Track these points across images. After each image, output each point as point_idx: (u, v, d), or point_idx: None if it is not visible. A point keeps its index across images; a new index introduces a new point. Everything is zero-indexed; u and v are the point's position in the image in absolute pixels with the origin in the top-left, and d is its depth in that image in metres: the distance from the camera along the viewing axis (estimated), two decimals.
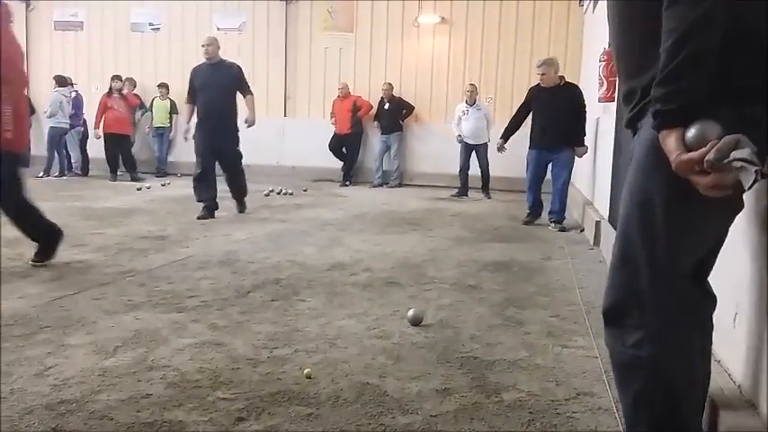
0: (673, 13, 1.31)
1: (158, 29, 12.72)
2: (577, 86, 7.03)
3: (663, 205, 1.44)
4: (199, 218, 6.64)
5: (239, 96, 7.21)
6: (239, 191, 7.27)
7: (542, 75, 6.79)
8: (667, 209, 1.44)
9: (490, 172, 9.75)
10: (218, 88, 6.94)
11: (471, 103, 9.76)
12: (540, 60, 6.98)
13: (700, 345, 1.54)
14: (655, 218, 1.45)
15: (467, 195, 9.53)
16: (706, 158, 1.25)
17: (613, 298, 1.57)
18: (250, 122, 7.24)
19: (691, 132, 1.30)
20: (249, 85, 7.33)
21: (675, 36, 1.30)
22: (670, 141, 1.33)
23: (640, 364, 1.50)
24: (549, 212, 6.75)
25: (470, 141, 9.64)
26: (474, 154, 9.68)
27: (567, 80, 6.96)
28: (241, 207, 7.24)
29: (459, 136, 9.72)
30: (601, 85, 5.92)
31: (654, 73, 1.37)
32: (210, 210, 6.82)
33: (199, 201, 6.93)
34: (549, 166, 6.85)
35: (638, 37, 1.51)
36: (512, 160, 10.68)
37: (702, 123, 1.29)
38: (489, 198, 9.55)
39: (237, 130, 7.24)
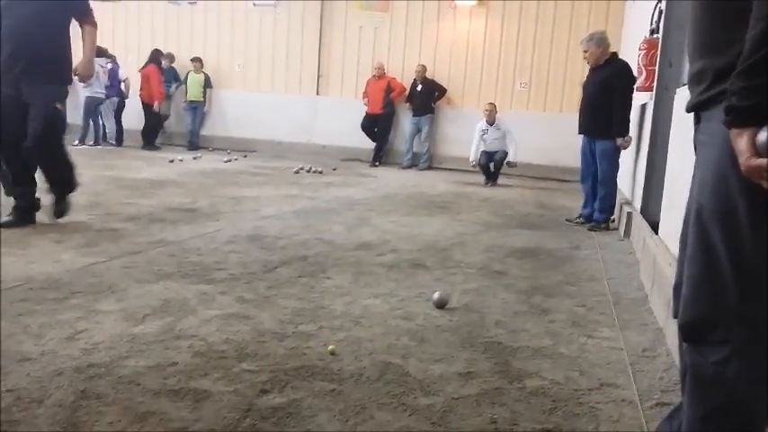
0: None
1: (195, 3, 12.77)
2: (618, 62, 6.02)
3: (748, 211, 1.32)
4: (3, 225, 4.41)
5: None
6: (54, 179, 4.73)
7: (585, 51, 6.05)
8: (753, 215, 1.32)
9: (518, 160, 9.58)
10: (30, 6, 4.42)
11: (491, 122, 9.47)
12: (584, 37, 6.20)
13: None
14: (740, 226, 1.34)
15: (496, 182, 9.44)
16: None
17: (695, 312, 1.46)
18: (81, 75, 4.83)
19: (763, 136, 1.19)
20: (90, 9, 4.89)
21: (763, 25, 1.18)
22: (741, 141, 1.23)
23: (723, 382, 1.41)
24: (582, 206, 6.27)
25: (489, 151, 9.48)
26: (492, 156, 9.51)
27: (615, 56, 6.07)
28: (58, 207, 4.74)
29: (475, 163, 9.47)
30: (640, 74, 5.80)
31: (730, 57, 1.27)
32: (24, 211, 4.60)
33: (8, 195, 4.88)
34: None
35: (719, 11, 1.37)
36: (543, 148, 10.64)
37: None
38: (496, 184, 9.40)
39: (65, 82, 4.72)
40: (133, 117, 11.84)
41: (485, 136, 9.45)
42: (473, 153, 9.50)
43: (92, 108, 11.21)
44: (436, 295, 3.25)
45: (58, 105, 4.67)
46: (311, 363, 2.42)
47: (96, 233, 4.43)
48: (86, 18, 4.85)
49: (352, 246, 4.55)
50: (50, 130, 4.54)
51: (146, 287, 3.26)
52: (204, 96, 12.30)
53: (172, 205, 5.76)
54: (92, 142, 11.27)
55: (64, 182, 4.74)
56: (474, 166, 9.47)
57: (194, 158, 10.36)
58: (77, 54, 4.75)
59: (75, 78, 4.85)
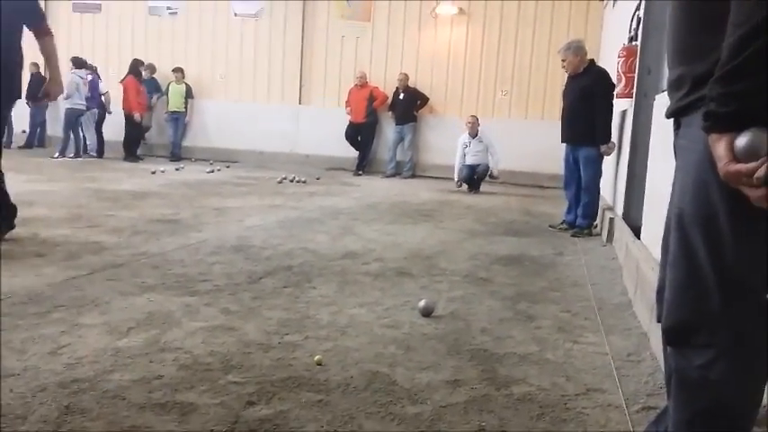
0: (741, 4, 1.17)
1: (176, 13, 12.74)
2: (596, 70, 6.08)
3: (728, 216, 1.33)
4: None
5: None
6: None
7: (563, 61, 6.14)
8: (734, 220, 1.32)
9: (500, 168, 9.63)
10: None
11: (473, 134, 9.52)
12: (561, 46, 6.30)
13: None
14: (721, 232, 1.34)
15: (478, 190, 9.47)
16: (756, 176, 1.16)
17: (678, 317, 1.47)
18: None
19: (741, 141, 1.19)
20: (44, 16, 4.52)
21: (741, 32, 1.18)
22: (720, 146, 1.24)
23: (707, 385, 1.41)
24: (566, 212, 6.32)
25: (472, 164, 9.52)
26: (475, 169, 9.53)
27: (593, 64, 6.15)
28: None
29: (459, 182, 9.50)
30: (619, 81, 5.87)
31: (709, 63, 1.27)
32: None
33: None
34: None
35: (698, 17, 1.38)
36: (525, 155, 10.70)
37: (755, 133, 1.18)
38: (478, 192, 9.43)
39: (16, 89, 4.28)
40: (114, 128, 11.75)
41: (467, 149, 9.48)
42: (457, 171, 9.53)
43: (72, 120, 11.12)
44: (422, 303, 3.25)
45: None
46: (298, 373, 2.41)
47: (78, 246, 4.39)
48: (40, 27, 4.28)
49: (337, 255, 4.54)
50: None
51: (129, 300, 3.24)
52: (186, 107, 12.25)
53: (154, 217, 5.72)
54: (72, 154, 11.17)
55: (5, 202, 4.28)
56: (459, 185, 9.49)
57: (176, 169, 10.30)
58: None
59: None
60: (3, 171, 4.37)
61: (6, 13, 3.98)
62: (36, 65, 12.54)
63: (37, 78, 12.48)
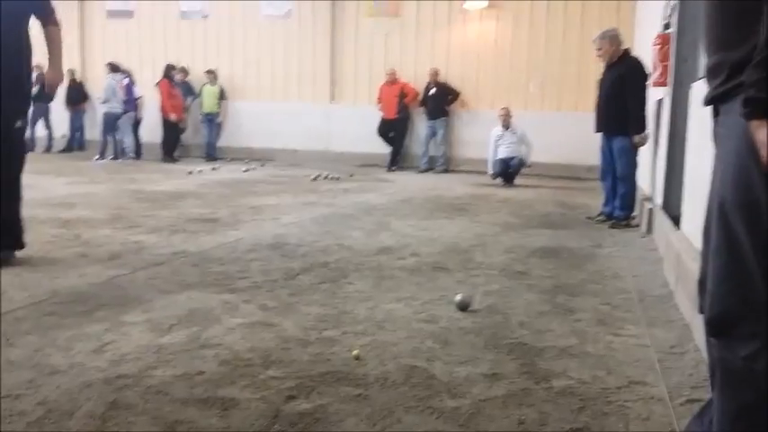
0: None
1: (207, 16, 12.89)
2: (631, 59, 6.00)
3: None
4: None
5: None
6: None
7: (598, 49, 6.03)
8: None
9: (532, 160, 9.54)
10: None
11: (506, 127, 9.43)
12: (596, 34, 6.15)
13: None
14: (763, 217, 1.31)
15: (513, 183, 9.39)
16: None
17: (722, 307, 1.44)
18: (51, 84, 4.34)
19: None
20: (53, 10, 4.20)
21: None
22: (761, 132, 1.22)
23: (753, 377, 1.38)
24: (603, 204, 6.22)
25: (505, 157, 9.39)
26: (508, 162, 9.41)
27: (628, 53, 6.05)
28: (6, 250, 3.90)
29: (494, 174, 9.39)
30: (654, 69, 5.76)
31: (747, 49, 1.25)
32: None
33: None
34: None
35: (735, 3, 1.36)
36: (560, 147, 10.58)
37: None
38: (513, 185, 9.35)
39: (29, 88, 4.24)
40: (151, 131, 11.97)
41: (500, 141, 9.39)
42: (490, 162, 9.46)
43: (110, 123, 11.36)
44: (459, 297, 3.24)
45: (19, 123, 3.94)
46: (336, 368, 2.42)
47: (120, 246, 4.48)
48: (49, 17, 4.12)
49: (373, 251, 4.55)
50: (10, 152, 3.83)
51: (170, 298, 3.29)
52: (219, 108, 12.40)
53: (192, 216, 5.80)
54: (111, 157, 11.41)
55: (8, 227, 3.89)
56: (494, 177, 9.42)
57: (212, 169, 10.43)
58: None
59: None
60: (21, 185, 3.98)
61: (16, 8, 3.89)
62: (72, 71, 12.84)
63: (74, 84, 12.79)
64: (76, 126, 13.04)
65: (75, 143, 13.05)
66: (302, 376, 2.34)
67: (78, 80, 13.10)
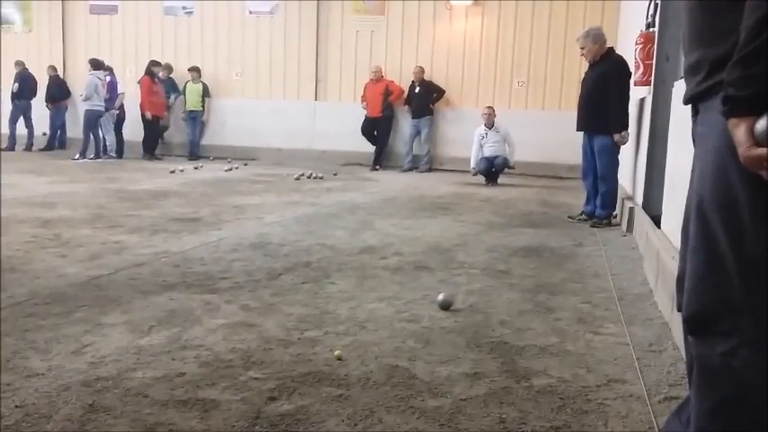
0: None
1: (191, 12, 12.80)
2: (614, 57, 6.00)
3: (748, 202, 1.31)
4: None
5: None
6: None
7: (581, 48, 6.07)
8: (754, 205, 1.30)
9: (515, 158, 9.58)
10: None
11: (489, 126, 9.43)
12: (580, 33, 6.20)
13: None
14: (741, 217, 1.32)
15: (496, 182, 9.42)
16: None
17: (700, 305, 1.45)
18: None
19: (761, 125, 1.17)
20: None
21: (758, 14, 1.16)
22: (740, 131, 1.21)
23: (730, 373, 1.39)
24: (584, 203, 6.26)
25: (489, 156, 9.40)
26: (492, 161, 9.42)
27: (611, 51, 6.05)
28: None
29: (475, 170, 9.37)
30: (637, 68, 5.80)
31: (727, 46, 1.26)
32: None
33: None
34: None
35: (717, 1, 1.36)
36: (543, 146, 10.63)
37: None
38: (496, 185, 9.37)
39: None
40: (134, 129, 11.88)
41: (483, 140, 9.41)
42: (473, 160, 9.48)
43: (92, 121, 11.23)
44: (441, 297, 3.25)
45: None
46: (318, 369, 2.42)
47: (100, 246, 4.44)
48: None
49: (356, 250, 4.55)
50: None
51: (151, 299, 3.27)
52: (203, 106, 12.33)
53: (174, 216, 5.77)
54: (92, 155, 11.29)
55: None
56: (474, 174, 9.45)
57: (195, 168, 10.37)
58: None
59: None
60: None
61: None
62: (54, 68, 12.72)
63: (55, 81, 12.67)
64: (57, 124, 12.89)
65: (57, 141, 12.91)
66: (283, 377, 2.34)
67: (60, 77, 12.97)
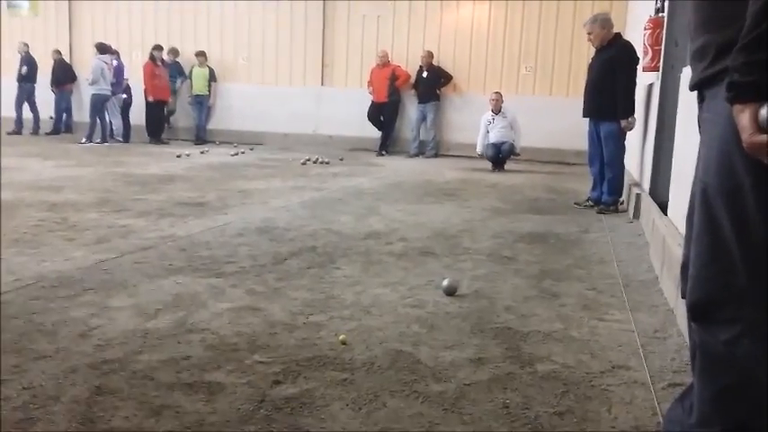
0: None
1: None
2: (622, 42, 5.98)
3: (753, 189, 1.30)
4: None
5: None
6: None
7: (588, 34, 6.02)
8: (758, 192, 1.29)
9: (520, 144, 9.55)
10: None
11: (497, 111, 9.40)
12: (587, 19, 6.17)
13: None
14: (745, 203, 1.31)
15: (503, 168, 9.40)
16: None
17: (703, 292, 1.44)
18: None
19: (765, 111, 1.16)
20: None
21: (764, 0, 1.15)
22: (744, 117, 1.21)
23: (733, 361, 1.38)
24: (591, 189, 6.24)
25: (496, 142, 9.39)
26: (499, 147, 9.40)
27: (618, 37, 6.02)
28: None
29: (482, 153, 9.40)
30: (645, 53, 5.76)
31: (732, 32, 1.24)
32: None
33: None
34: None
35: None
36: (550, 132, 10.59)
37: None
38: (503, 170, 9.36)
39: None
40: (141, 113, 11.89)
41: (490, 126, 9.38)
42: (479, 145, 9.46)
43: (98, 105, 11.24)
44: (446, 282, 3.26)
45: None
46: (322, 353, 2.44)
47: (107, 230, 4.46)
48: None
49: (361, 235, 4.56)
50: None
51: (157, 282, 3.29)
52: (209, 90, 12.31)
53: (181, 200, 5.78)
54: (99, 139, 11.30)
55: None
56: (480, 156, 9.43)
57: (201, 153, 10.38)
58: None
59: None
60: None
61: None
62: (58, 51, 12.71)
63: (60, 65, 12.66)
64: (62, 107, 12.89)
65: (62, 125, 12.92)
66: (288, 361, 2.35)
67: (65, 61, 12.95)
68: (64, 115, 12.98)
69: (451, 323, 2.83)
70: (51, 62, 12.65)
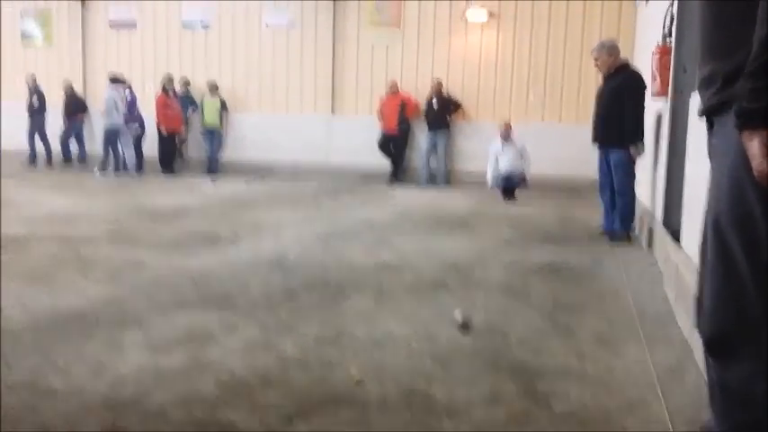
0: None
1: (208, 26, 12.92)
2: (629, 70, 5.99)
3: (764, 215, 1.29)
4: None
5: None
6: None
7: (595, 60, 6.04)
8: None
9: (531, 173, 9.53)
10: None
11: (506, 138, 9.35)
12: (595, 46, 6.19)
13: None
14: (756, 229, 1.30)
15: (513, 197, 9.37)
16: None
17: (719, 327, 1.43)
18: None
19: None
20: None
21: None
22: (753, 144, 1.21)
23: (751, 397, 1.36)
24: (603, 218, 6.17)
25: (506, 171, 9.35)
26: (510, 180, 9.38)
27: (626, 65, 6.03)
28: None
29: (492, 184, 9.34)
30: (654, 79, 5.77)
31: (740, 58, 1.25)
32: None
33: None
34: None
35: (729, 13, 1.35)
36: (560, 159, 10.58)
37: None
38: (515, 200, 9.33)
39: None
40: (154, 145, 11.99)
41: (500, 154, 9.36)
42: (489, 176, 9.45)
43: (111, 137, 11.35)
44: (458, 316, 3.23)
45: None
46: (335, 390, 2.42)
47: (119, 263, 4.47)
48: None
49: (372, 268, 4.54)
50: None
51: (169, 317, 3.28)
52: (221, 121, 12.37)
53: (192, 232, 5.79)
54: (112, 170, 11.39)
55: None
56: (492, 189, 9.42)
57: (213, 181, 10.44)
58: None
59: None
60: None
61: None
62: (69, 84, 12.83)
63: (71, 95, 12.76)
64: (70, 134, 12.77)
65: (69, 154, 12.84)
66: (301, 399, 2.33)
67: (77, 94, 13.03)
68: (72, 144, 12.94)
69: (465, 358, 2.80)
70: (62, 94, 12.78)
